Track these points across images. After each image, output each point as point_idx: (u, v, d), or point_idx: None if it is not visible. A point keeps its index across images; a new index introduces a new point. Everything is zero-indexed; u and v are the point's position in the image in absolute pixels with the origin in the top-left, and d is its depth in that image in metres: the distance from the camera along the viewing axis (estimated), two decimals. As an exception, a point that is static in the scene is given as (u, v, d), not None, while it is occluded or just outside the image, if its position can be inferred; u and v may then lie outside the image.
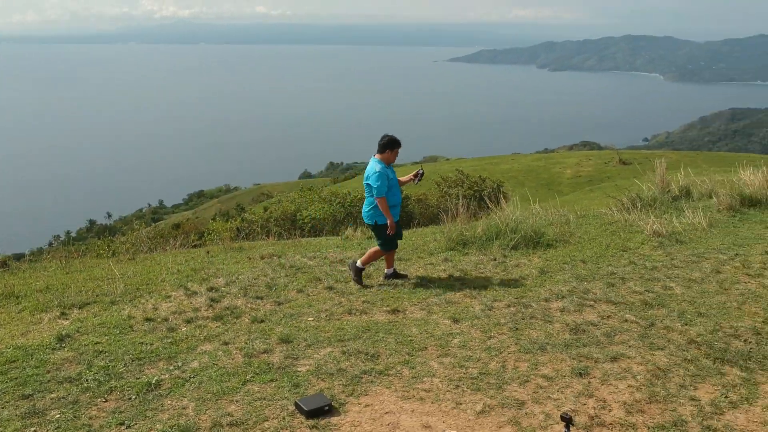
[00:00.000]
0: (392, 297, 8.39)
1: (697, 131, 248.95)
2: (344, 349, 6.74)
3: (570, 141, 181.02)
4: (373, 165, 8.29)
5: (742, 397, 5.75)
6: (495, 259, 10.02)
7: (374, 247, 8.83)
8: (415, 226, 15.28)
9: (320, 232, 17.73)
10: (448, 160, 78.09)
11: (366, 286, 8.80)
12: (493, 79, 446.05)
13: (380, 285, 8.85)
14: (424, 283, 8.97)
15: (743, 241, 10.74)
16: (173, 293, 8.70)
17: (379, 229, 8.52)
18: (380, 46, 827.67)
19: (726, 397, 5.75)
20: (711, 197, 13.50)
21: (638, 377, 6.09)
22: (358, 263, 8.74)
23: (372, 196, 8.30)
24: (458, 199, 13.56)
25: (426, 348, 6.78)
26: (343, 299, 8.35)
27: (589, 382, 6.01)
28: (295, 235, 14.31)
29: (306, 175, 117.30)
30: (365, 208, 8.54)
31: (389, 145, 8.33)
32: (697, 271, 9.25)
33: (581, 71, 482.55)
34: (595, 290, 8.51)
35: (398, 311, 7.86)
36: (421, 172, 8.89)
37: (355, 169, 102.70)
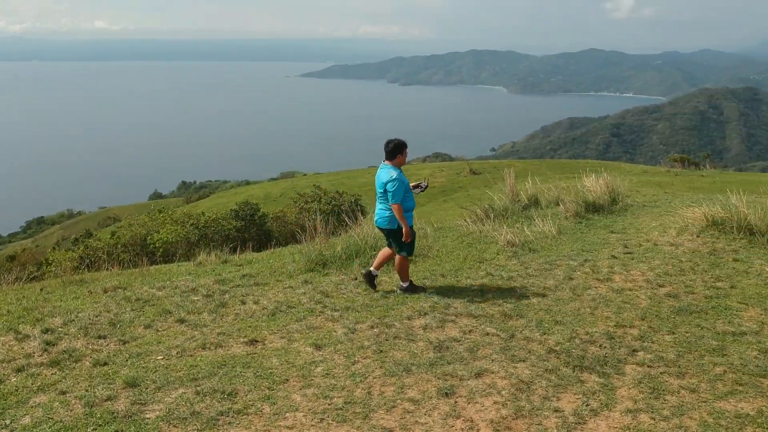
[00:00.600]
0: (250, 326, 7.93)
1: (539, 140, 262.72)
2: (198, 388, 6.22)
3: (423, 153, 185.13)
4: (388, 171, 8.22)
5: (601, 404, 5.85)
6: (356, 279, 9.80)
7: (385, 250, 8.89)
8: (272, 246, 14.82)
9: (173, 257, 16.86)
10: (305, 175, 77.67)
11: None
12: (346, 93, 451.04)
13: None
14: (283, 308, 8.59)
15: (591, 246, 11.18)
16: (1, 338, 7.77)
17: (398, 234, 8.42)
18: (230, 62, 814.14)
19: (587, 405, 5.83)
20: (558, 204, 14.01)
21: (503, 392, 6.06)
22: (403, 285, 8.79)
23: (387, 201, 8.22)
24: (317, 215, 13.25)
25: (287, 380, 6.42)
26: (196, 332, 7.79)
27: (456, 402, 5.90)
28: (145, 261, 13.41)
29: (156, 196, 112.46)
30: (383, 214, 8.42)
31: (398, 149, 8.32)
32: (550, 279, 9.48)
33: (429, 85, 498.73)
34: (455, 304, 8.48)
35: (256, 341, 7.43)
36: (424, 184, 8.80)
37: (210, 188, 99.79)
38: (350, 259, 10.53)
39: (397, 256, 8.63)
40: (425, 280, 9.57)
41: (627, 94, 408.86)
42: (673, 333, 7.41)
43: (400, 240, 8.42)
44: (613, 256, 10.47)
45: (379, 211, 8.49)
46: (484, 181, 55.44)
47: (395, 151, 8.29)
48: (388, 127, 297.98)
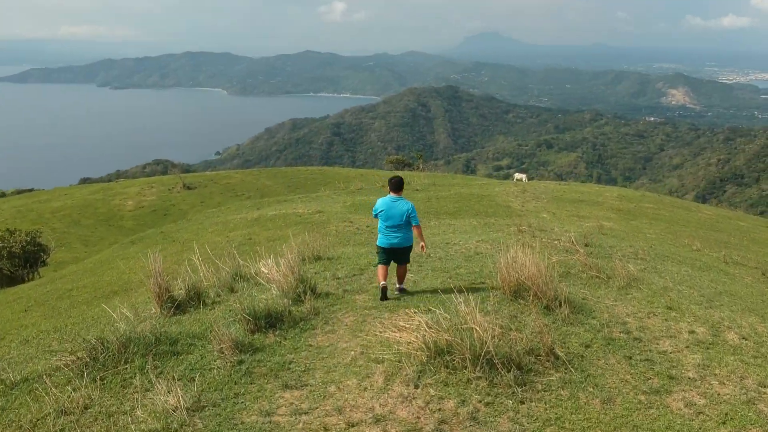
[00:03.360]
0: None
1: (264, 142, 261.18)
2: None
3: (142, 160, 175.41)
4: (405, 201, 10.00)
5: None
6: None
7: (404, 266, 10.24)
8: None
9: None
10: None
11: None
12: (49, 99, 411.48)
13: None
14: None
15: None
16: None
17: (410, 250, 10.19)
18: None
19: None
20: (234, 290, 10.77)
21: None
22: (402, 286, 10.26)
23: (408, 225, 9.91)
24: None
25: None
26: None
27: None
28: None
29: None
30: (406, 236, 9.95)
31: (403, 183, 10.18)
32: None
33: (145, 89, 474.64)
34: None
35: None
36: None
37: None
38: None
39: (405, 266, 10.27)
40: None
41: (344, 95, 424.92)
42: None
43: (409, 254, 10.22)
44: None
45: (400, 235, 9.94)
46: (201, 197, 51.75)
47: (401, 184, 10.06)
48: (102, 134, 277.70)
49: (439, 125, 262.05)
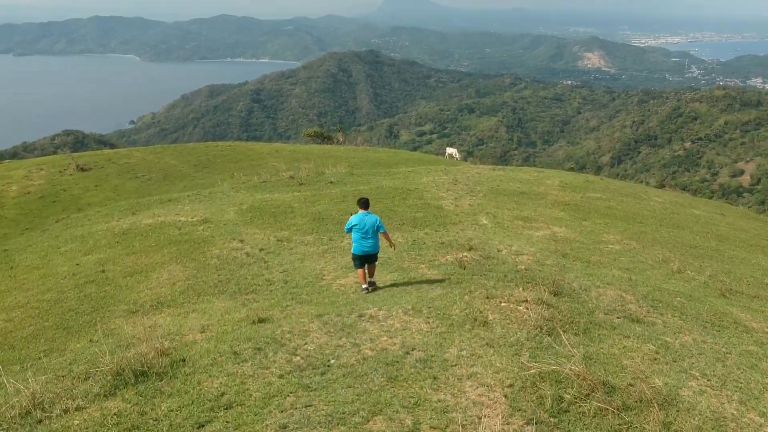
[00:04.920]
0: None
1: (180, 110, 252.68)
2: None
3: (51, 131, 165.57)
4: (372, 216, 12.11)
5: None
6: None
7: (374, 265, 12.22)
8: None
9: None
10: None
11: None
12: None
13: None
14: None
15: None
16: None
17: (377, 255, 12.26)
18: None
19: None
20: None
21: None
22: (372, 279, 12.18)
23: (376, 235, 11.98)
24: None
25: None
26: None
27: None
28: None
29: None
30: (373, 242, 11.96)
31: (368, 202, 12.48)
32: None
33: (51, 55, 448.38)
34: None
35: None
36: None
37: None
38: None
39: (375, 265, 12.26)
40: None
41: (263, 60, 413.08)
42: None
43: (377, 256, 12.28)
44: None
45: (371, 242, 11.92)
46: (96, 180, 45.79)
47: (368, 203, 12.30)
48: (5, 104, 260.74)
49: (361, 90, 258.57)
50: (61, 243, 17.90)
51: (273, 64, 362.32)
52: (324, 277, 12.42)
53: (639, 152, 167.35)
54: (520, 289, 9.78)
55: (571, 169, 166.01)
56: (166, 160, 49.49)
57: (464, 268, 12.12)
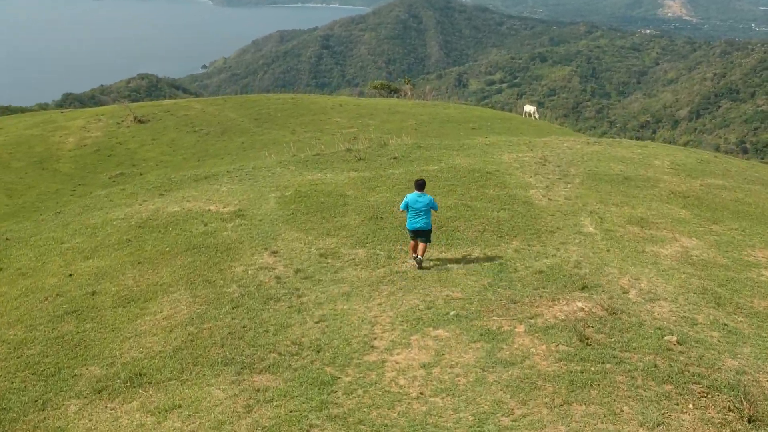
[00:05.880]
0: None
1: (251, 55, 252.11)
2: None
3: (127, 74, 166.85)
4: (426, 197, 12.42)
5: None
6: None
7: (425, 245, 12.35)
8: None
9: None
10: None
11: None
12: (21, 10, 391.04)
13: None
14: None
15: None
16: None
17: (430, 232, 12.53)
18: None
19: None
20: None
21: None
22: (422, 258, 12.30)
23: (429, 211, 12.38)
24: None
25: None
26: None
27: None
28: None
29: None
30: (425, 220, 12.28)
31: (425, 183, 12.82)
32: None
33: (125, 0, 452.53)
34: None
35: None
36: None
37: None
38: None
39: (426, 245, 12.38)
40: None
41: (333, 5, 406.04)
42: None
43: (429, 235, 12.45)
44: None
45: (423, 220, 12.23)
46: (153, 133, 43.31)
47: (423, 184, 12.57)
48: (83, 48, 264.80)
49: (430, 38, 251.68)
50: (67, 235, 14.80)
51: (342, 9, 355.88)
52: (375, 345, 8.79)
53: (719, 107, 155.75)
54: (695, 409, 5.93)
55: (647, 123, 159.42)
56: (226, 113, 46.40)
57: (587, 344, 8.18)
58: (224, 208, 15.33)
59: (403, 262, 12.07)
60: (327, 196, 15.92)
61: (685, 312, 9.39)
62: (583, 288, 9.81)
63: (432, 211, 12.51)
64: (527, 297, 9.80)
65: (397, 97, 56.81)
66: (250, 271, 11.13)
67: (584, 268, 10.81)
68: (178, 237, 13.42)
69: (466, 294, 10.02)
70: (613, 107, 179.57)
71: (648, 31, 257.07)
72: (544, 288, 9.99)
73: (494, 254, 12.10)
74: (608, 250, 12.16)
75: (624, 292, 9.84)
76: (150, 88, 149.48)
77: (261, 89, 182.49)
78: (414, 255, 12.30)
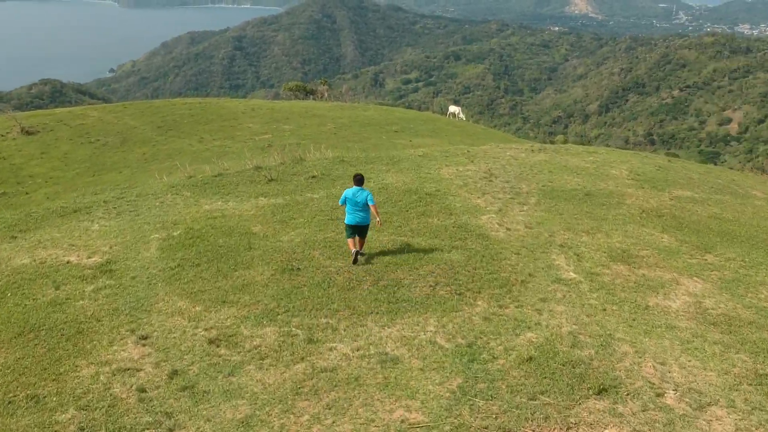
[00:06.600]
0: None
1: (161, 58, 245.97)
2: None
3: (28, 80, 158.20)
4: (365, 191, 12.20)
5: None
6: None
7: (364, 239, 12.37)
8: None
9: None
10: None
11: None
12: None
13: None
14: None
15: None
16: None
17: (368, 227, 12.41)
18: None
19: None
20: None
21: None
22: (361, 250, 12.33)
23: (366, 208, 12.09)
24: None
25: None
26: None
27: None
28: None
29: None
30: (364, 214, 12.10)
31: (363, 178, 12.62)
32: None
33: (25, 0, 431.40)
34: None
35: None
36: None
37: None
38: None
39: (365, 239, 12.38)
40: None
41: (244, 6, 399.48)
42: None
43: (367, 230, 12.39)
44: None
45: (362, 215, 12.07)
46: (42, 146, 38.32)
47: (362, 179, 12.37)
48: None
49: (345, 37, 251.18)
50: None
51: (254, 9, 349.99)
52: None
53: (627, 100, 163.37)
54: None
55: (559, 118, 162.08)
56: (126, 120, 41.71)
57: None
58: (89, 258, 11.53)
59: (330, 349, 8.39)
60: (227, 235, 12.35)
61: (751, 424, 6.39)
62: (600, 392, 6.68)
63: (371, 206, 12.15)
64: (526, 419, 6.48)
65: (314, 99, 54.08)
66: (102, 378, 7.45)
67: (585, 348, 7.73)
68: (13, 312, 9.55)
69: (430, 412, 6.69)
70: (526, 103, 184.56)
71: (557, 29, 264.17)
72: (542, 393, 6.78)
73: (456, 326, 8.81)
74: (604, 309, 9.12)
75: (658, 395, 6.77)
76: (54, 93, 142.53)
77: (173, 93, 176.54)
78: (353, 249, 12.04)
